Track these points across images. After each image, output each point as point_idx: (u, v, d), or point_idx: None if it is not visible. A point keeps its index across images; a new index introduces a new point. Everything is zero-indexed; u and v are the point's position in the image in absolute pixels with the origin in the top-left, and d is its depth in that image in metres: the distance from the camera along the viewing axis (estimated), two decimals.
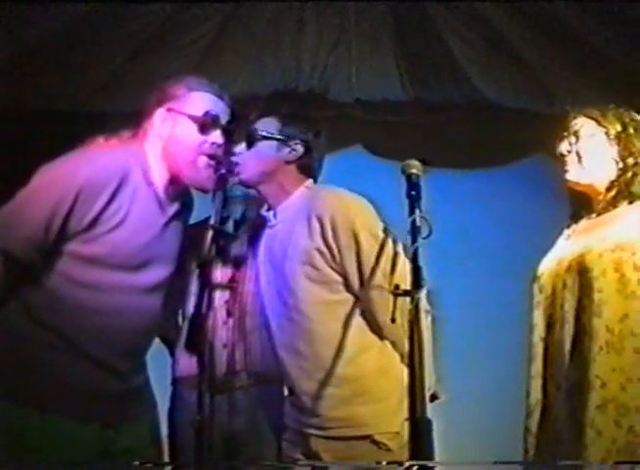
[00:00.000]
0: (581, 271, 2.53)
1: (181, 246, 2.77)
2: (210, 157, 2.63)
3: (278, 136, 2.88)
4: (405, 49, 4.83)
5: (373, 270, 2.74)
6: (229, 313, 3.14)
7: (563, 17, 4.39)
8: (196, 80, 2.71)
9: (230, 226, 3.22)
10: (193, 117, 2.63)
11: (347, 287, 2.79)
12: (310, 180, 2.93)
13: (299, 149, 2.89)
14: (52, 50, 4.46)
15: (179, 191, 2.69)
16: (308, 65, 4.96)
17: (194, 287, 2.91)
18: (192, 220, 2.87)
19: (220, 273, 3.11)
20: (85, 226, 2.49)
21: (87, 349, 2.55)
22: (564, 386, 2.53)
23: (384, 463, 2.62)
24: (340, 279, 2.78)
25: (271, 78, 5.05)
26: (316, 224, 2.76)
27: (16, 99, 4.66)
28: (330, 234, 2.74)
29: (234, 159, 2.78)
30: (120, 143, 2.64)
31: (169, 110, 2.64)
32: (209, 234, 2.40)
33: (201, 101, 2.66)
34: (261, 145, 2.87)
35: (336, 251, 2.75)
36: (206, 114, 2.63)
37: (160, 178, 2.63)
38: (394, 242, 2.74)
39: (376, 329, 2.79)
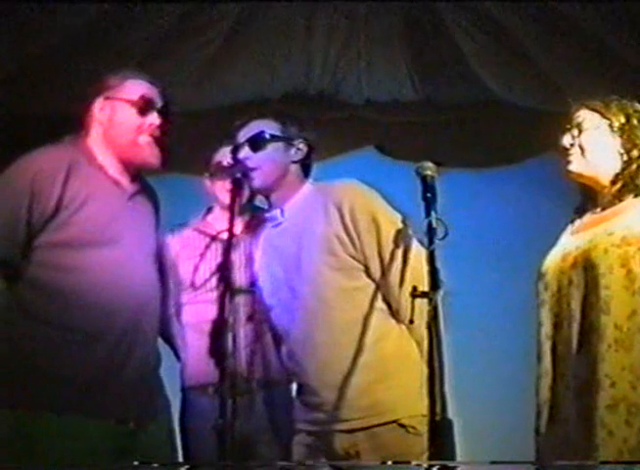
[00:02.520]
0: (587, 267, 2.49)
1: (155, 226, 2.91)
2: (151, 136, 2.77)
3: (286, 136, 2.91)
4: (415, 49, 4.81)
5: (391, 259, 2.75)
6: (249, 318, 3.16)
7: (573, 15, 4.38)
8: (130, 71, 2.87)
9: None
10: (130, 101, 2.77)
11: (368, 273, 2.80)
12: (309, 178, 2.97)
13: (304, 148, 2.94)
14: (60, 55, 4.48)
15: (131, 172, 2.81)
16: (319, 66, 4.95)
17: (213, 292, 2.93)
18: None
19: (239, 277, 3.13)
20: (50, 214, 2.61)
21: (90, 331, 2.62)
22: (572, 385, 2.49)
23: (389, 463, 2.61)
24: (359, 266, 2.80)
25: (282, 81, 5.03)
26: (335, 212, 2.79)
27: (19, 105, 4.67)
28: (349, 221, 2.77)
29: (247, 164, 2.82)
30: (62, 143, 2.79)
31: (107, 98, 2.78)
32: (227, 239, 2.44)
33: (136, 86, 2.80)
34: (270, 148, 2.89)
35: (355, 237, 2.77)
36: (142, 97, 2.78)
37: (107, 162, 2.76)
38: (410, 235, 2.74)
39: (395, 313, 2.80)
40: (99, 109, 2.77)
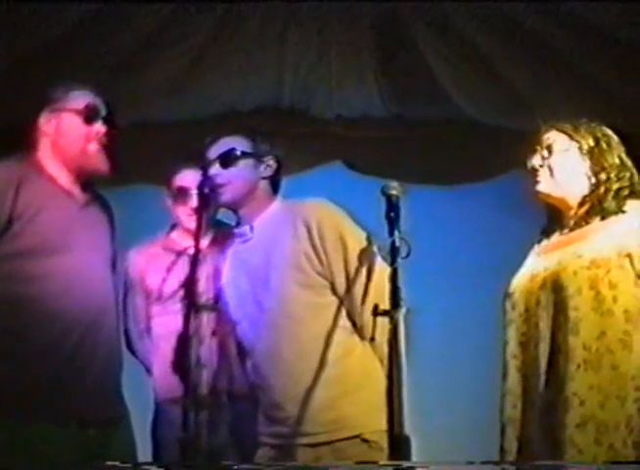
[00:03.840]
0: (556, 289, 2.51)
1: (110, 234, 2.94)
2: (99, 144, 2.82)
3: (256, 153, 2.93)
4: (385, 66, 4.83)
5: (356, 276, 2.78)
6: (214, 333, 3.18)
7: (542, 34, 4.43)
8: (73, 83, 2.90)
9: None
10: (75, 110, 2.82)
11: (333, 290, 2.83)
12: (278, 195, 2.99)
13: (273, 165, 2.96)
14: (31, 65, 4.46)
15: (82, 181, 2.85)
16: (290, 81, 4.96)
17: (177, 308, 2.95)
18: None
19: (206, 292, 3.15)
20: (3, 228, 2.65)
21: (50, 338, 2.66)
22: (538, 404, 2.51)
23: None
24: (325, 283, 2.82)
25: (253, 94, 5.04)
26: (303, 229, 2.81)
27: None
28: (317, 238, 2.79)
29: (217, 180, 2.84)
30: (11, 160, 2.81)
31: (52, 110, 2.83)
32: (193, 254, 2.46)
33: (80, 97, 2.84)
34: (240, 165, 2.90)
35: (322, 254, 2.80)
36: (87, 106, 2.82)
37: (58, 172, 2.81)
38: (374, 254, 2.77)
39: (359, 330, 2.82)
40: (45, 122, 2.83)
